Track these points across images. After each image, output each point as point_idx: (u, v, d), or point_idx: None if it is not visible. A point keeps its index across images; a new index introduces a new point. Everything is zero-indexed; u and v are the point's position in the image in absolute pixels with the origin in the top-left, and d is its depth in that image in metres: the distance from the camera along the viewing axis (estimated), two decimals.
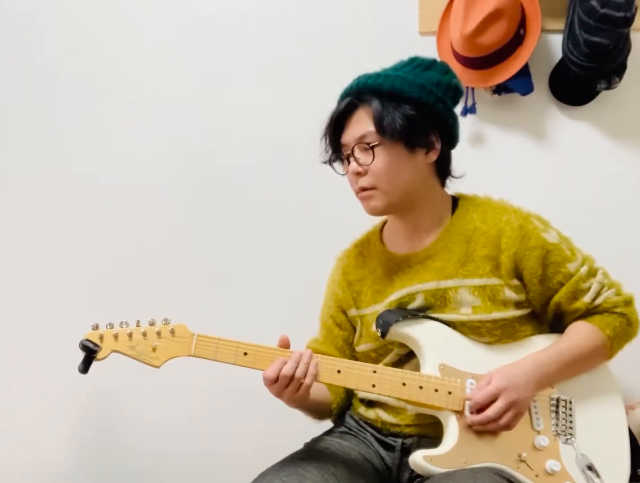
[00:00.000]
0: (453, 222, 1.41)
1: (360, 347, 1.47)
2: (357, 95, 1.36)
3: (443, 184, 1.45)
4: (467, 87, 1.91)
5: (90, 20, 2.06)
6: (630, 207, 1.91)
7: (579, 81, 1.86)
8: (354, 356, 1.49)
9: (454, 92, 1.41)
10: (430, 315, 1.36)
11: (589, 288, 1.36)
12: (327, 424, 1.53)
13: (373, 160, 1.33)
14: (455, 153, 1.75)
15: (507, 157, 1.94)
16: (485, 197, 1.45)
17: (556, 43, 1.90)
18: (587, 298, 1.36)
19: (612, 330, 1.35)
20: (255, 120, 2.01)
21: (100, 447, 2.03)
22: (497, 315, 1.33)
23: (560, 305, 1.38)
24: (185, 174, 2.04)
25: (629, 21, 1.74)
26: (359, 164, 1.35)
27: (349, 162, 1.38)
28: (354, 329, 1.51)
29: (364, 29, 1.96)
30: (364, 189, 1.36)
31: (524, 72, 1.87)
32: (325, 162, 1.43)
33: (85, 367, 1.24)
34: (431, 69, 1.39)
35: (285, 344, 1.30)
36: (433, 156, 1.38)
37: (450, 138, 1.41)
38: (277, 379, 1.23)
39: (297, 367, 1.24)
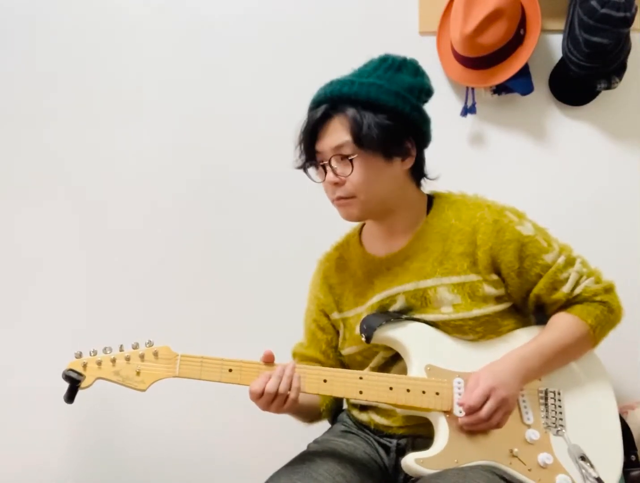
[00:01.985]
0: (428, 221, 1.41)
1: (346, 350, 1.47)
2: (331, 103, 1.34)
3: (418, 185, 1.44)
4: (467, 87, 1.91)
5: (87, 21, 2.06)
6: (630, 207, 1.90)
7: (579, 81, 1.86)
8: (339, 359, 1.49)
9: (427, 95, 1.40)
10: (413, 316, 1.36)
11: (567, 278, 1.36)
12: (326, 424, 1.53)
13: (351, 172, 1.32)
14: (455, 153, 1.76)
15: (507, 157, 1.94)
16: (460, 194, 1.45)
17: (556, 43, 1.90)
18: (566, 289, 1.36)
19: (593, 319, 1.35)
20: (253, 120, 2.01)
21: (99, 453, 2.03)
22: (477, 312, 1.33)
23: (540, 297, 1.38)
24: (183, 177, 2.03)
25: (629, 21, 1.73)
26: (336, 175, 1.33)
27: (324, 170, 1.35)
28: (337, 332, 1.51)
29: (363, 29, 1.96)
30: (341, 198, 1.35)
31: (524, 72, 1.86)
32: (299, 168, 1.41)
33: (70, 396, 1.24)
34: (402, 70, 1.36)
35: (269, 359, 1.29)
36: (409, 163, 1.38)
37: (424, 141, 1.41)
38: (262, 394, 1.24)
39: (280, 382, 1.24)
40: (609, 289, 1.39)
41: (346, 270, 1.49)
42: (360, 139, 1.30)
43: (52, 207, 2.05)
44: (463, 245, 1.36)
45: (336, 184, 1.34)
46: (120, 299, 2.02)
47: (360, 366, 1.42)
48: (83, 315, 2.01)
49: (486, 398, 1.24)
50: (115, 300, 2.02)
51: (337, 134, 1.33)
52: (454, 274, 1.35)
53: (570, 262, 1.38)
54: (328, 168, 1.34)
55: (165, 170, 2.03)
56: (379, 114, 1.31)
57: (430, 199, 1.45)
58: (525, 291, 1.38)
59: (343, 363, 1.49)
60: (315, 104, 1.37)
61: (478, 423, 1.24)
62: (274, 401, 1.24)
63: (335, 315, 1.49)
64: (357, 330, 1.39)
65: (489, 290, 1.35)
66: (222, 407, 1.96)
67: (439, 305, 1.35)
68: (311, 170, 1.40)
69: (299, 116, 1.96)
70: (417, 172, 1.42)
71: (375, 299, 1.41)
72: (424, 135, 1.40)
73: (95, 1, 2.06)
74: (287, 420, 1.81)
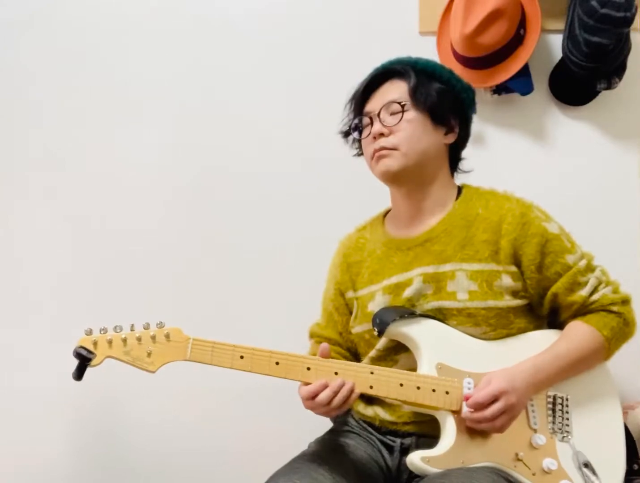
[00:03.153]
0: (456, 207, 1.43)
1: (356, 329, 1.47)
2: (391, 67, 1.44)
3: (451, 173, 1.50)
4: None
5: (87, 21, 2.06)
6: (629, 207, 1.91)
7: (579, 81, 1.86)
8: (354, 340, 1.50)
9: (473, 93, 1.49)
10: (427, 314, 1.36)
11: (587, 282, 1.36)
12: (329, 423, 1.53)
13: (400, 120, 1.38)
14: None
15: (507, 157, 1.94)
16: (490, 188, 1.48)
17: (556, 43, 1.90)
18: (584, 292, 1.36)
19: (609, 330, 1.35)
20: (254, 120, 2.01)
21: (99, 453, 2.02)
22: (492, 303, 1.34)
23: (557, 296, 1.37)
24: (182, 175, 2.03)
25: (629, 21, 1.74)
26: (384, 125, 1.39)
27: (371, 124, 1.42)
28: (352, 313, 1.51)
29: (363, 29, 1.96)
30: (383, 148, 1.39)
31: (524, 72, 1.87)
32: (342, 132, 1.50)
33: (79, 374, 1.23)
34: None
35: (326, 354, 1.29)
36: (451, 138, 1.44)
37: (466, 129, 1.48)
38: (311, 399, 1.24)
39: (333, 398, 1.23)
40: (626, 301, 1.39)
41: (365, 249, 1.51)
42: (416, 95, 1.39)
43: (52, 205, 2.05)
44: (487, 233, 1.37)
45: (381, 135, 1.39)
46: (121, 297, 2.01)
47: (367, 345, 1.43)
48: (85, 316, 1.99)
49: (495, 399, 1.23)
50: (116, 299, 2.01)
51: (392, 90, 1.42)
52: (475, 261, 1.36)
53: (591, 268, 1.39)
54: (376, 120, 1.41)
55: (165, 170, 2.03)
56: (434, 82, 1.42)
57: (460, 190, 1.48)
58: (543, 288, 1.38)
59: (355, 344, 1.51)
60: (372, 74, 1.46)
61: (481, 421, 1.24)
62: (319, 407, 1.25)
63: (350, 294, 1.50)
64: (370, 307, 1.41)
65: (506, 281, 1.35)
66: (221, 405, 1.97)
67: (455, 291, 1.35)
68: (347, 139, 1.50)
69: (300, 116, 1.99)
70: (454, 157, 1.49)
71: (393, 280, 1.41)
72: (467, 122, 1.48)
73: (96, 1, 2.06)
74: (288, 420, 1.82)
